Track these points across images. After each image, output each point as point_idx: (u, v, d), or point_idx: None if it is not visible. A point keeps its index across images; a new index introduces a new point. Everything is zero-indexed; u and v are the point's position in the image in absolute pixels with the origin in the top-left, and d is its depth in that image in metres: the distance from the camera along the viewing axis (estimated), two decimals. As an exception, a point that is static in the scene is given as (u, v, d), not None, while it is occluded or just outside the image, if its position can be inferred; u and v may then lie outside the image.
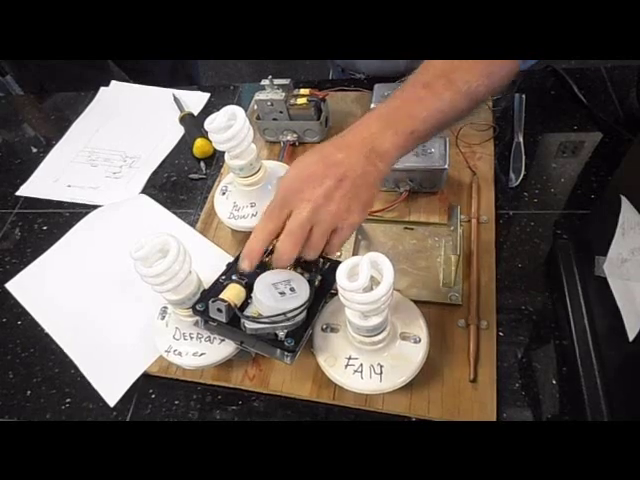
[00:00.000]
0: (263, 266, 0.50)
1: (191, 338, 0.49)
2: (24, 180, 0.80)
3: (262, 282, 0.45)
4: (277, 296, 0.44)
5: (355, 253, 0.61)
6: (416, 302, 0.51)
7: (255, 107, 0.72)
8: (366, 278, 0.38)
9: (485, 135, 0.71)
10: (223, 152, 0.55)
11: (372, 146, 0.45)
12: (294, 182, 0.45)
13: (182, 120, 0.82)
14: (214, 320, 0.45)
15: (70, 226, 0.72)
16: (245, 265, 0.46)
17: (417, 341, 0.47)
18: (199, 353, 0.49)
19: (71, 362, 0.58)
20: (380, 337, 0.44)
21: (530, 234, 0.61)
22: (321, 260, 0.50)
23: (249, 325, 0.44)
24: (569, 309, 0.52)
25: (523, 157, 0.69)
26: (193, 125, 0.80)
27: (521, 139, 0.71)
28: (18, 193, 0.78)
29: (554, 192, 0.65)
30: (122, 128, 0.85)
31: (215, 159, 0.77)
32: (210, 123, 0.52)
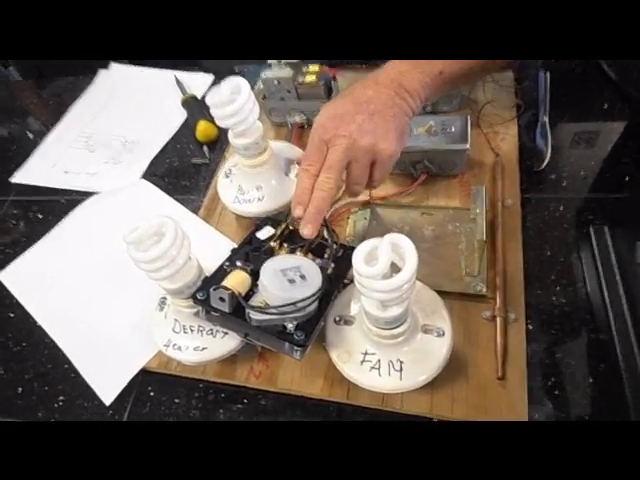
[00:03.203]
0: (270, 251, 0.46)
1: (192, 331, 0.45)
2: (19, 166, 0.76)
3: (269, 269, 0.41)
4: (286, 284, 0.40)
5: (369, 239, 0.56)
6: (437, 293, 0.47)
7: (261, 86, 0.67)
8: (386, 263, 0.34)
9: (508, 115, 0.66)
10: (227, 135, 0.51)
11: (400, 82, 0.46)
12: (327, 121, 0.45)
13: (185, 103, 0.77)
14: (216, 310, 0.41)
15: (66, 214, 0.68)
16: (299, 211, 0.45)
17: (441, 334, 0.42)
18: (200, 347, 0.45)
19: (65, 357, 0.55)
20: (400, 330, 0.40)
21: (559, 219, 0.56)
22: (334, 246, 0.45)
23: (254, 316, 0.39)
24: (607, 300, 0.47)
25: (549, 138, 0.63)
26: (196, 108, 0.75)
27: (546, 119, 0.66)
28: (13, 180, 0.75)
29: (583, 175, 0.60)
30: (122, 112, 0.81)
31: (219, 143, 0.73)
32: (212, 97, 0.48)
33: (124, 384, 0.51)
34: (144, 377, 0.52)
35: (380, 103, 0.45)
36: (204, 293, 0.41)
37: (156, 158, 0.73)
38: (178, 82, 0.81)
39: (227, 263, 0.44)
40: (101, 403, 0.51)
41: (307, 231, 0.43)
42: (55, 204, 0.71)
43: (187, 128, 0.76)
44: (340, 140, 0.44)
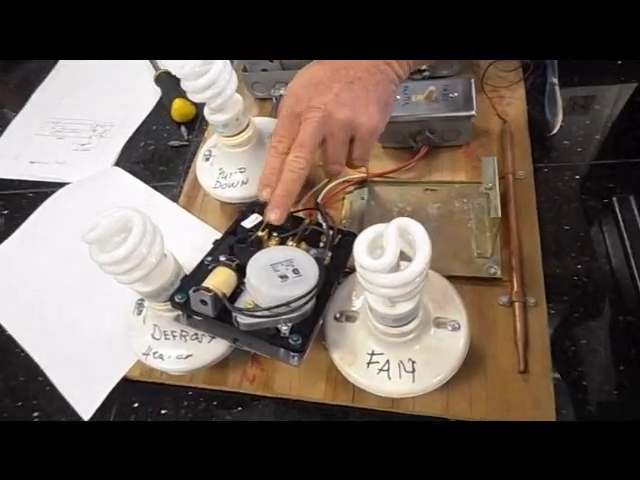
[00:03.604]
0: (257, 242, 0.40)
1: (174, 337, 0.40)
2: (-20, 159, 0.70)
3: (257, 263, 0.36)
4: (277, 281, 0.34)
5: (368, 222, 0.50)
6: (446, 278, 0.42)
7: (240, 56, 0.61)
8: (394, 253, 0.28)
9: (514, 76, 0.60)
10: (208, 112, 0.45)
11: None
12: (300, 90, 0.40)
13: (158, 80, 0.71)
14: (198, 314, 0.36)
15: (34, 208, 0.62)
16: (266, 194, 0.39)
17: (456, 328, 0.37)
18: (184, 355, 0.40)
19: (38, 368, 0.49)
20: (411, 326, 0.35)
21: (576, 189, 0.51)
22: (331, 232, 0.40)
23: (242, 320, 0.34)
24: (636, 278, 0.43)
25: (559, 100, 0.58)
26: (171, 85, 0.69)
27: (555, 79, 0.60)
28: (-27, 174, 0.68)
29: (600, 139, 0.55)
30: (90, 94, 0.74)
31: (198, 122, 0.67)
32: (182, 67, 0.41)
33: (104, 396, 0.46)
34: (126, 387, 0.47)
35: (361, 69, 0.40)
36: (183, 295, 0.36)
37: (129, 142, 0.67)
38: (150, 57, 0.74)
39: (209, 258, 0.39)
40: (81, 418, 0.46)
41: (274, 216, 0.38)
42: (21, 198, 0.64)
43: (162, 107, 0.69)
44: (313, 113, 0.39)
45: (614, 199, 0.47)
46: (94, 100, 0.73)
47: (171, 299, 0.36)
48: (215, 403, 0.45)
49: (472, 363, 0.41)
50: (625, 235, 0.45)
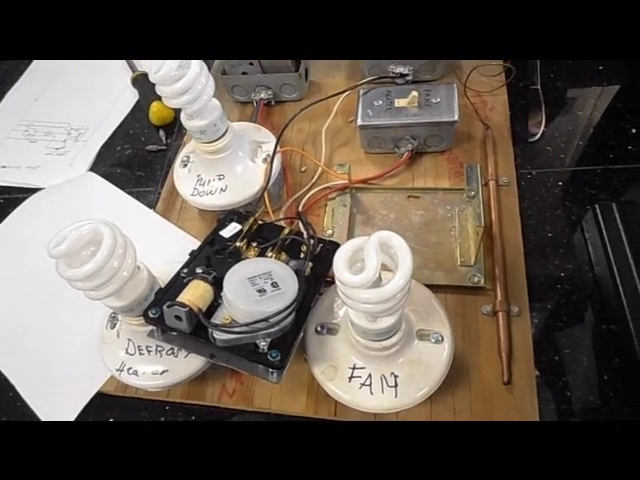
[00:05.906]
0: (236, 253, 0.39)
1: (149, 352, 0.39)
2: (-51, 163, 0.67)
3: (234, 277, 0.34)
4: (255, 295, 0.33)
5: (350, 230, 0.50)
6: (429, 287, 0.41)
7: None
8: (375, 268, 0.27)
9: (496, 81, 0.59)
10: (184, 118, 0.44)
11: None
12: None
13: (135, 82, 0.69)
14: (173, 330, 0.34)
15: (5, 215, 0.60)
16: None
17: (439, 340, 0.37)
18: (160, 371, 0.38)
19: (8, 382, 0.47)
20: (393, 340, 0.34)
21: (559, 196, 0.51)
22: (311, 241, 0.39)
23: (219, 336, 0.33)
24: (619, 286, 0.42)
25: (542, 105, 0.58)
26: (148, 87, 0.67)
27: (538, 85, 0.60)
28: (-58, 179, 0.65)
29: (583, 144, 0.54)
30: (65, 95, 0.72)
31: (177, 126, 0.65)
32: (156, 72, 0.40)
33: (77, 412, 0.44)
34: (101, 402, 0.45)
35: None
36: (157, 310, 0.35)
37: (105, 146, 0.65)
38: (127, 58, 0.72)
39: (185, 271, 0.37)
40: (52, 435, 0.44)
41: None
42: (-8, 204, 0.62)
43: (139, 110, 0.67)
44: None
45: (596, 206, 0.47)
46: (69, 102, 0.71)
47: (144, 314, 0.35)
48: (194, 417, 0.44)
49: (455, 374, 0.40)
50: (608, 243, 0.44)
